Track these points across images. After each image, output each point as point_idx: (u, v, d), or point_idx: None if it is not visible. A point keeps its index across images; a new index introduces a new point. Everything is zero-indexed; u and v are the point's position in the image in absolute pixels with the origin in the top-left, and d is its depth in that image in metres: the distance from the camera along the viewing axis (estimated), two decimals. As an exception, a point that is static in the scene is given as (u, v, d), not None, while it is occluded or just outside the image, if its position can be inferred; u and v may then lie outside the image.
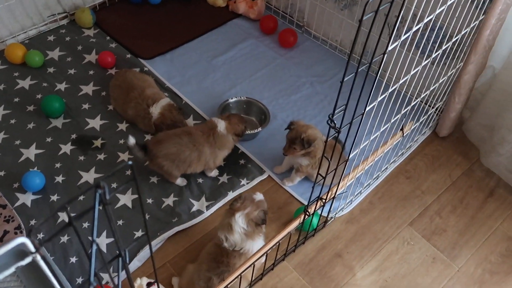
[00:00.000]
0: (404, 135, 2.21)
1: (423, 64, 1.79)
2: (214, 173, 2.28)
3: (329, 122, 1.39)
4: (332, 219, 2.19)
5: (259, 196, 1.84)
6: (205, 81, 2.76)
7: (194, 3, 3.26)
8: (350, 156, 1.74)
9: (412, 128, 2.27)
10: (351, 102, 1.42)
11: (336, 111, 1.41)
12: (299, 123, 2.16)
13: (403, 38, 1.45)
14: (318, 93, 2.75)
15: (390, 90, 1.65)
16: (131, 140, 2.03)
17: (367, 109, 1.54)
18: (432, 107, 2.41)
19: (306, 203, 2.18)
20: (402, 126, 2.15)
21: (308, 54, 2.99)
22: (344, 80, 1.33)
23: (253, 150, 2.42)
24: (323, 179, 1.69)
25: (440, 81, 2.08)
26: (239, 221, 1.74)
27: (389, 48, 1.38)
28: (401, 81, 1.66)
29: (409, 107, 1.99)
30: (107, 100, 2.56)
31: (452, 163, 2.47)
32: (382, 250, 2.12)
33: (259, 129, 2.40)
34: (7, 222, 2.04)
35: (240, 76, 2.81)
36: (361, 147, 1.81)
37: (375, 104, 1.60)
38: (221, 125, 2.14)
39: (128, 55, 2.83)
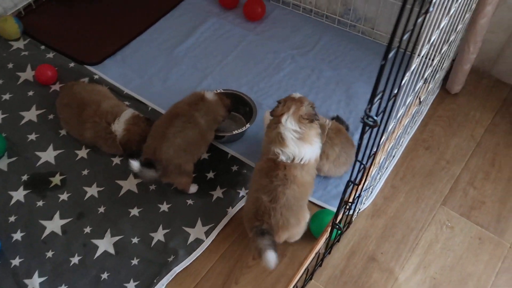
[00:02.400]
0: (421, 102, 1.87)
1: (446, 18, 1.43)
2: (193, 188, 1.91)
3: (365, 118, 1.02)
4: (355, 217, 1.86)
5: (297, 94, 1.67)
6: (170, 78, 2.34)
7: (137, -12, 2.79)
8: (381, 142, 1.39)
9: (428, 90, 1.93)
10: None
11: (371, 103, 1.03)
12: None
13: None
14: (303, 67, 2.38)
15: (421, 55, 1.28)
16: (135, 165, 1.66)
17: (402, 83, 1.17)
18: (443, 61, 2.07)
19: (321, 205, 1.85)
20: (418, 93, 1.81)
21: (281, 24, 2.60)
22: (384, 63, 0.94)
23: (244, 151, 2.05)
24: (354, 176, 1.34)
25: (458, 28, 1.74)
26: (289, 125, 1.56)
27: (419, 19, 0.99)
28: (427, 44, 1.30)
29: (429, 70, 1.64)
30: (57, 124, 2.12)
31: (471, 121, 2.17)
32: (420, 241, 1.81)
33: (247, 125, 2.02)
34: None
35: (209, 64, 2.40)
36: (389, 129, 1.45)
37: (406, 80, 1.23)
38: (209, 93, 1.92)
39: (71, 64, 2.38)
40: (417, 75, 1.44)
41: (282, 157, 1.57)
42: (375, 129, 1.14)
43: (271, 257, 1.45)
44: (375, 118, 1.02)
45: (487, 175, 1.99)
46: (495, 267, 1.75)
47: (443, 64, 1.91)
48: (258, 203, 1.53)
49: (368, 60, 2.41)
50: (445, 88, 2.27)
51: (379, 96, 1.02)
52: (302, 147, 1.58)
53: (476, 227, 1.85)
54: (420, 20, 0.95)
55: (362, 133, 1.09)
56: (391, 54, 0.91)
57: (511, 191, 1.94)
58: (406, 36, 0.94)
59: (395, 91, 1.14)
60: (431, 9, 1.00)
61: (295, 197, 1.55)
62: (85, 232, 1.82)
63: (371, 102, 1.01)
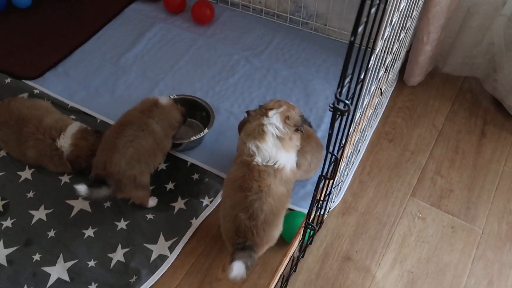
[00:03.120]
0: (383, 92, 1.84)
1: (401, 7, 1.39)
2: (152, 202, 1.78)
3: (336, 104, 0.94)
4: (326, 216, 1.79)
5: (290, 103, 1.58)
6: (118, 88, 2.21)
7: (75, -4, 2.65)
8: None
9: (387, 81, 1.90)
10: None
11: (341, 87, 0.95)
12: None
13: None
14: (258, 68, 2.31)
15: (384, 38, 1.23)
16: (82, 189, 1.52)
17: (369, 66, 1.11)
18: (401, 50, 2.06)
19: (290, 207, 1.77)
20: (380, 82, 1.77)
21: (231, 26, 2.53)
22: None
23: (204, 158, 1.94)
24: (327, 181, 1.26)
25: (413, 15, 1.72)
26: (274, 120, 1.46)
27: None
28: (389, 27, 1.25)
29: (389, 58, 1.60)
30: (-6, 145, 1.94)
31: (431, 111, 2.17)
32: (394, 235, 1.77)
33: (206, 130, 1.91)
34: None
35: (160, 71, 2.29)
36: (356, 118, 1.39)
37: (372, 63, 1.18)
38: (163, 98, 1.81)
39: (8, 80, 2.19)
40: (379, 63, 1.40)
41: (258, 158, 1.45)
42: (343, 118, 1.07)
43: (236, 267, 1.34)
44: (347, 102, 0.95)
45: (452, 162, 1.98)
46: (470, 255, 1.72)
47: (400, 54, 1.89)
48: (237, 222, 1.41)
49: (323, 57, 2.37)
50: (402, 80, 2.26)
51: (349, 78, 0.95)
52: (279, 150, 1.47)
53: (447, 216, 1.82)
54: (385, -7, 0.90)
55: (333, 121, 1.02)
56: (360, 29, 0.84)
57: (477, 177, 1.94)
58: (373, 10, 0.87)
59: (362, 76, 1.08)
60: (395, -18, 0.95)
61: (273, 212, 1.44)
62: (34, 259, 1.64)
63: (341, 85, 0.94)
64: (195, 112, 2.04)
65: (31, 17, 2.52)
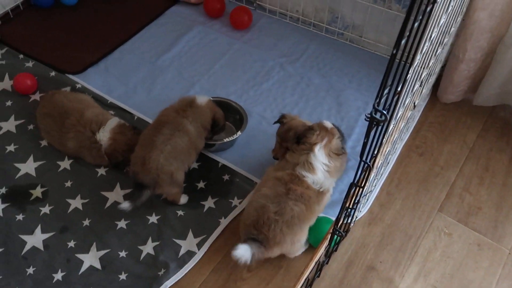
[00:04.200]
0: (416, 106, 1.86)
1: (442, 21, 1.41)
2: (183, 199, 1.85)
3: (373, 113, 0.98)
4: (352, 225, 1.81)
5: (328, 124, 1.69)
6: (155, 87, 2.28)
7: (119, -4, 2.75)
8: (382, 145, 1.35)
9: (421, 95, 1.92)
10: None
11: (379, 97, 0.99)
12: (290, 116, 1.78)
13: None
14: (292, 75, 2.36)
15: (423, 52, 1.26)
16: (126, 205, 1.67)
17: (407, 78, 1.14)
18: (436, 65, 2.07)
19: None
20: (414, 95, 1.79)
21: (267, 33, 2.58)
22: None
23: (235, 160, 2.00)
24: (358, 188, 1.30)
25: (451, 31, 1.73)
26: (320, 156, 1.58)
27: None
28: (428, 42, 1.28)
29: (425, 72, 1.62)
30: (37, 135, 2.03)
31: (463, 127, 2.17)
32: (419, 249, 1.78)
33: (238, 133, 1.97)
34: None
35: (196, 73, 2.36)
36: (389, 129, 1.42)
37: (410, 75, 1.21)
38: (202, 98, 1.88)
39: (52, 73, 2.30)
40: (415, 76, 1.43)
41: (308, 180, 1.58)
42: (378, 128, 1.11)
43: (243, 248, 1.44)
44: (384, 112, 0.99)
45: (482, 180, 1.98)
46: (496, 274, 1.72)
47: (436, 68, 1.91)
48: (262, 212, 1.49)
49: (356, 68, 2.40)
50: (435, 95, 2.27)
51: (387, 90, 0.99)
52: (327, 178, 1.62)
53: (474, 233, 1.82)
54: (428, 9, 0.93)
55: (369, 129, 1.06)
56: (403, 42, 0.88)
57: (506, 196, 1.94)
58: (416, 25, 0.91)
59: (399, 88, 1.12)
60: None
61: (299, 219, 1.53)
62: (69, 246, 1.72)
63: (379, 96, 0.98)
64: (229, 114, 2.09)
65: (76, 14, 2.62)
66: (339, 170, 1.67)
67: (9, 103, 2.17)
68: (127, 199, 1.83)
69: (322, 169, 1.60)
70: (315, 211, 1.60)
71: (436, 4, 0.97)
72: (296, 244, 1.59)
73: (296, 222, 1.52)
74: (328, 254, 1.66)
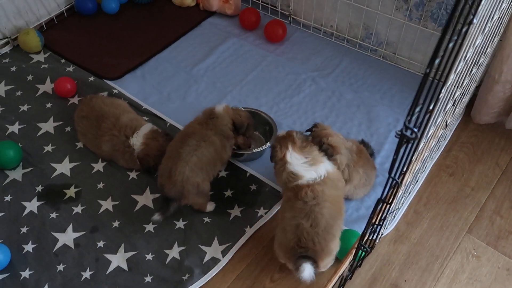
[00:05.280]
0: (447, 125, 1.84)
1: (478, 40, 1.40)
2: (210, 207, 1.87)
3: (404, 130, 0.99)
4: (378, 242, 1.80)
5: (282, 131, 1.74)
6: (189, 95, 2.34)
7: (158, 7, 2.83)
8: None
9: (454, 114, 1.90)
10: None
11: (411, 115, 1.00)
12: (322, 125, 1.79)
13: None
14: (324, 89, 2.37)
15: (457, 71, 1.26)
16: (157, 218, 1.73)
17: (440, 96, 1.14)
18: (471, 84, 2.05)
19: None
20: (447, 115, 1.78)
21: (301, 47, 2.61)
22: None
23: (264, 171, 2.02)
24: (385, 205, 1.30)
25: (487, 51, 1.72)
26: (295, 160, 1.62)
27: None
28: (463, 61, 1.28)
29: (458, 91, 1.61)
30: (73, 136, 2.11)
31: (496, 149, 2.13)
32: (445, 270, 1.75)
33: (267, 144, 1.99)
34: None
35: (229, 83, 2.40)
36: (420, 147, 1.42)
37: (443, 95, 1.20)
38: (220, 106, 1.88)
39: (91, 78, 2.38)
40: (448, 95, 1.42)
41: (303, 182, 1.59)
42: (408, 145, 1.11)
43: (308, 267, 1.46)
44: (415, 130, 0.99)
45: (514, 204, 1.94)
46: (525, 300, 1.68)
47: (470, 88, 1.89)
48: (300, 231, 1.50)
49: (389, 85, 2.39)
50: (469, 115, 2.24)
51: (419, 108, 0.99)
52: (316, 169, 1.61)
53: (503, 257, 1.78)
54: (464, 29, 0.93)
55: (399, 146, 1.06)
56: (437, 61, 0.88)
57: (539, 221, 1.89)
58: (450, 45, 0.92)
59: (431, 107, 1.12)
60: (474, 20, 0.98)
61: (332, 216, 1.54)
62: (98, 246, 1.77)
63: (411, 113, 0.98)
64: (259, 125, 2.12)
65: (116, 22, 2.72)
66: (320, 154, 1.67)
67: (49, 105, 2.26)
68: (156, 204, 1.87)
69: (305, 167, 1.61)
70: (337, 198, 1.60)
71: (472, 25, 0.98)
72: (336, 248, 1.60)
73: (332, 222, 1.54)
74: (352, 269, 1.65)
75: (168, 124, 2.20)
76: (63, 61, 2.48)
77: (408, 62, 2.43)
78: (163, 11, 2.81)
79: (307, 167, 1.61)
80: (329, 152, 1.71)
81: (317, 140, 1.75)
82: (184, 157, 1.73)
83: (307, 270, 1.45)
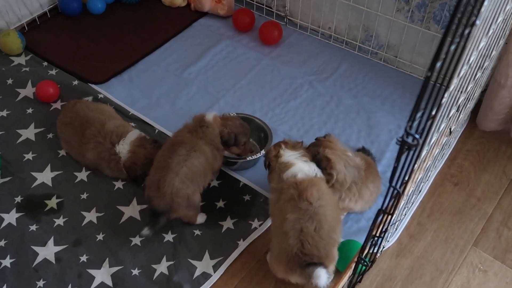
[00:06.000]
0: (452, 132, 1.85)
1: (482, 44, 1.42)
2: (201, 218, 1.87)
3: (405, 137, 0.99)
4: (379, 255, 1.80)
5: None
6: (179, 100, 2.34)
7: (146, 7, 2.84)
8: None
9: (458, 120, 1.91)
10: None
11: (412, 121, 1.00)
12: (331, 137, 1.82)
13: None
14: (321, 94, 2.38)
15: (460, 76, 1.27)
16: (146, 232, 1.73)
17: (442, 102, 1.14)
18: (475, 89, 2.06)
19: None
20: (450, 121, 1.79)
21: (297, 49, 2.62)
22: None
23: (258, 180, 2.01)
24: (386, 216, 1.30)
25: (492, 54, 1.73)
26: (288, 152, 1.70)
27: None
28: (466, 65, 1.29)
29: (462, 97, 1.62)
30: (56, 144, 2.11)
31: (502, 157, 2.15)
32: (451, 285, 1.75)
33: (262, 152, 1.99)
34: None
35: (221, 88, 2.40)
36: (422, 155, 1.42)
37: (446, 100, 1.21)
38: (210, 115, 1.86)
39: (75, 82, 2.38)
40: (451, 101, 1.43)
41: (300, 176, 1.62)
42: (410, 153, 1.11)
43: (323, 273, 1.46)
44: (416, 136, 0.99)
45: (522, 215, 1.95)
46: (534, 317, 1.68)
47: (474, 93, 1.90)
48: (303, 236, 1.50)
49: (390, 89, 2.40)
50: (474, 122, 2.25)
51: (420, 113, 1.00)
52: (309, 163, 1.68)
53: (511, 271, 1.78)
54: (467, 31, 0.94)
55: (400, 154, 1.06)
56: (438, 65, 0.89)
57: (548, 233, 1.89)
58: (452, 48, 0.92)
59: (433, 112, 1.12)
60: (477, 22, 0.99)
61: (335, 219, 1.58)
62: (81, 260, 1.76)
63: (412, 119, 0.99)
64: (253, 132, 2.12)
65: (103, 23, 2.72)
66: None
67: (30, 110, 2.25)
68: (143, 216, 1.87)
69: (296, 158, 1.68)
70: (334, 200, 1.66)
71: (475, 26, 0.98)
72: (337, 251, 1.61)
73: (334, 225, 1.56)
74: (351, 285, 1.65)
75: (157, 130, 2.19)
76: (45, 64, 2.48)
77: (410, 65, 2.45)
78: (152, 11, 2.81)
79: (299, 157, 1.69)
80: (322, 164, 1.70)
81: (315, 149, 1.76)
82: (173, 168, 1.72)
83: (323, 276, 1.46)
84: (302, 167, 1.65)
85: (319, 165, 1.71)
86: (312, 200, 1.54)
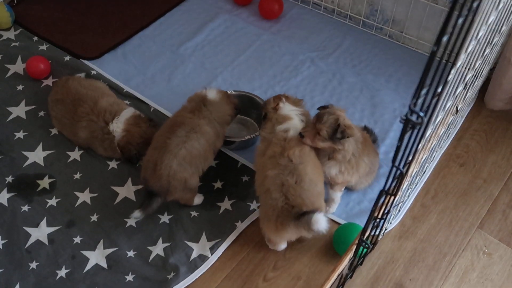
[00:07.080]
0: (458, 111, 1.85)
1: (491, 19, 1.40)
2: (198, 199, 1.88)
3: (409, 115, 0.99)
4: (381, 237, 1.81)
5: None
6: (175, 77, 2.33)
7: (142, -21, 2.80)
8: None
9: (465, 99, 1.91)
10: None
11: (417, 98, 0.99)
12: (337, 107, 1.78)
13: None
14: (324, 71, 2.37)
15: (467, 52, 1.26)
16: (137, 215, 1.72)
17: (448, 79, 1.13)
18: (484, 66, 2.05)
19: (342, 223, 1.81)
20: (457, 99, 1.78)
21: (299, 24, 2.60)
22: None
23: (257, 160, 2.01)
24: (388, 196, 1.30)
25: (502, 30, 1.72)
26: (287, 106, 1.76)
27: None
28: (474, 41, 1.28)
29: (470, 74, 1.61)
30: (47, 122, 2.10)
31: (510, 137, 2.15)
32: (454, 268, 1.77)
33: (261, 131, 1.99)
34: None
35: (219, 64, 2.39)
36: (427, 134, 1.42)
37: (452, 76, 1.20)
38: (212, 92, 1.87)
39: (67, 57, 2.37)
40: (458, 78, 1.42)
41: (292, 132, 1.68)
42: (414, 132, 1.11)
43: (322, 218, 1.50)
44: (421, 114, 0.99)
45: (529, 197, 1.96)
46: (539, 301, 1.70)
47: (483, 71, 1.89)
48: (286, 190, 1.57)
49: (395, 67, 2.39)
50: (482, 101, 2.24)
51: (425, 90, 0.99)
52: (303, 124, 1.74)
53: (517, 254, 1.80)
54: (476, 4, 0.93)
55: (403, 132, 1.06)
56: (444, 39, 0.88)
57: (556, 216, 1.90)
58: (460, 21, 0.91)
59: (439, 90, 1.12)
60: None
61: (316, 175, 1.65)
62: (74, 242, 1.77)
63: (416, 96, 0.98)
64: (252, 110, 2.11)
65: (95, -4, 2.70)
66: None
67: (20, 87, 2.24)
68: (138, 197, 1.88)
69: (295, 114, 1.74)
70: (318, 163, 1.72)
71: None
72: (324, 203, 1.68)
73: (315, 180, 1.63)
74: (352, 267, 1.67)
75: (152, 108, 2.19)
76: (35, 38, 2.46)
77: (416, 41, 2.43)
78: (147, -16, 2.78)
79: (298, 114, 1.75)
80: (343, 132, 1.66)
81: (332, 119, 1.69)
82: (171, 149, 1.72)
83: (322, 220, 1.49)
84: (297, 125, 1.71)
85: (334, 132, 1.67)
86: (293, 158, 1.61)
